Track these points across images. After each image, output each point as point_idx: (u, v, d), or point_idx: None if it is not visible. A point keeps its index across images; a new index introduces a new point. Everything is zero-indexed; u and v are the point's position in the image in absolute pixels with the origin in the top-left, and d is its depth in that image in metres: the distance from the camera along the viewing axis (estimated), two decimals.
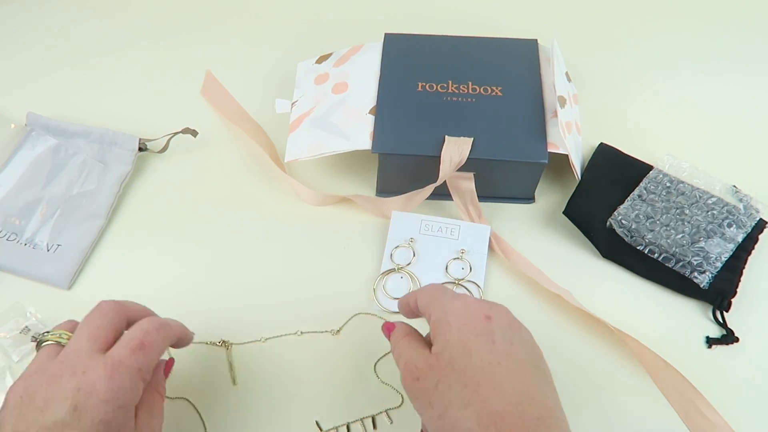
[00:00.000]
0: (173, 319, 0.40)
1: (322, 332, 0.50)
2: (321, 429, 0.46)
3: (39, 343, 0.37)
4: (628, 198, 0.53)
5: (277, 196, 0.57)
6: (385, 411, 0.46)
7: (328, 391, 0.47)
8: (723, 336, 0.49)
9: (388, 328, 0.40)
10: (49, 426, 0.32)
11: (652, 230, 0.51)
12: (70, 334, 0.37)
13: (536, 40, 0.59)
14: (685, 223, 0.51)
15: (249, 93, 0.64)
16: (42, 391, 0.33)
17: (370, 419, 0.46)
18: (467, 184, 0.54)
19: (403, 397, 0.47)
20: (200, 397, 0.47)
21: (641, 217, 0.52)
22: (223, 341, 0.49)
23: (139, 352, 0.34)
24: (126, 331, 0.36)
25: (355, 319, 0.51)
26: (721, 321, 0.50)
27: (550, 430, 0.31)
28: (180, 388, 0.47)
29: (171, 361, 0.40)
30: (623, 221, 0.52)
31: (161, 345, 0.37)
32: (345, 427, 0.46)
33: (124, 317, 0.37)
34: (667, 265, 0.51)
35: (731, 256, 0.51)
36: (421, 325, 0.47)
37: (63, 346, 0.36)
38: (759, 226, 0.52)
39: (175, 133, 0.58)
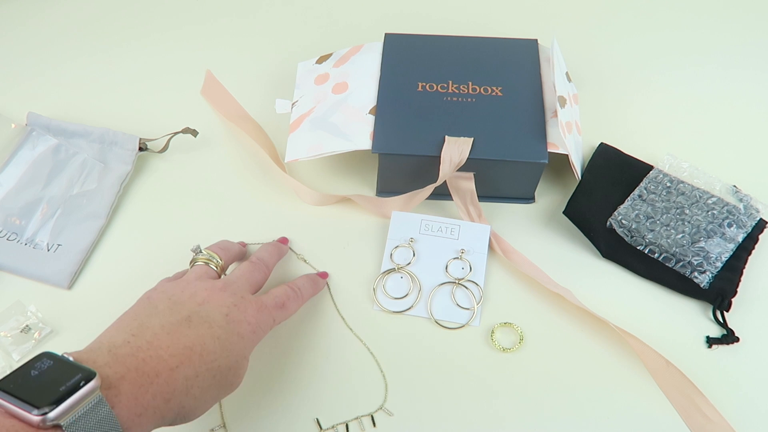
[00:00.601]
0: (315, 282, 0.50)
1: (322, 333, 0.50)
2: (321, 427, 0.46)
3: (194, 258, 0.46)
4: (629, 198, 0.53)
5: (277, 196, 0.57)
6: (382, 408, 0.46)
7: (328, 390, 0.47)
8: (723, 336, 0.49)
9: None
10: (203, 317, 0.39)
11: (652, 230, 0.51)
12: (221, 263, 0.46)
13: (536, 40, 0.59)
14: (686, 223, 0.51)
15: (249, 93, 0.64)
16: (205, 293, 0.41)
17: (369, 417, 0.46)
18: (467, 184, 0.54)
19: (385, 383, 0.47)
20: None
21: (641, 217, 0.52)
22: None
23: (279, 309, 0.44)
24: (276, 288, 0.46)
25: (356, 319, 0.51)
26: (722, 321, 0.50)
27: None
28: None
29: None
30: (623, 221, 0.52)
31: (293, 312, 0.46)
32: (344, 426, 0.46)
33: (268, 275, 0.48)
34: (667, 264, 0.51)
35: (731, 256, 0.51)
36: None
37: (210, 268, 0.45)
38: (759, 226, 0.52)
39: (175, 133, 0.58)
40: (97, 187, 0.56)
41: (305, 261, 0.53)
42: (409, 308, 0.51)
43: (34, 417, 0.29)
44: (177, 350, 0.36)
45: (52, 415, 0.29)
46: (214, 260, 0.46)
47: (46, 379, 0.31)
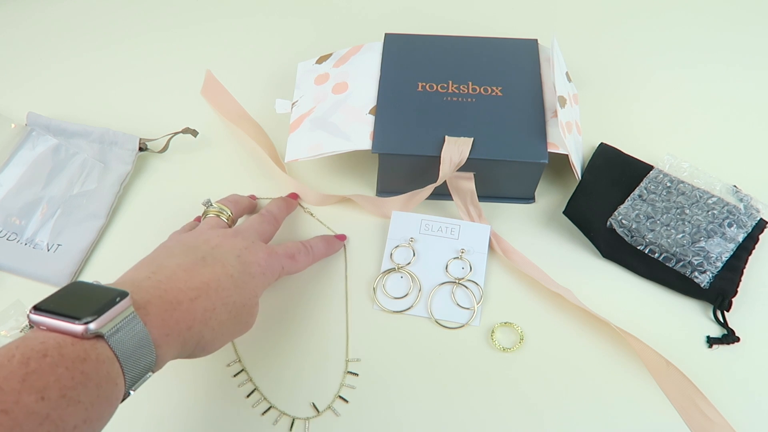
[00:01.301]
0: (330, 243, 0.52)
1: (322, 331, 0.50)
2: (318, 410, 0.46)
3: (205, 211, 0.49)
4: (629, 198, 0.53)
5: (278, 196, 0.57)
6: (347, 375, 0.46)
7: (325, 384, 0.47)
8: (724, 336, 0.49)
9: None
10: (216, 257, 0.41)
11: (652, 230, 0.51)
12: (231, 215, 0.49)
13: (536, 40, 0.59)
14: (686, 223, 0.51)
15: (249, 93, 0.64)
16: (217, 239, 0.43)
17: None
18: (467, 184, 0.54)
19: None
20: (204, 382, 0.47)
21: (641, 216, 0.52)
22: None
23: (288, 259, 0.46)
24: (289, 242, 0.48)
25: (356, 319, 0.51)
26: (722, 321, 0.50)
27: None
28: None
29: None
30: (623, 221, 0.52)
31: (302, 266, 0.48)
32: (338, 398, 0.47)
33: (277, 228, 0.50)
34: (667, 264, 0.51)
35: (732, 256, 0.51)
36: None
37: (221, 219, 0.48)
38: (759, 225, 0.52)
39: (176, 133, 0.59)
40: (97, 187, 0.56)
41: (312, 215, 0.56)
42: (409, 308, 0.51)
43: (77, 327, 0.31)
44: (194, 284, 0.38)
45: (93, 325, 0.31)
46: (225, 213, 0.49)
47: (83, 298, 0.33)
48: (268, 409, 0.47)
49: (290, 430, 0.45)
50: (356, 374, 0.48)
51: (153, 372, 0.35)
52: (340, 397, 0.47)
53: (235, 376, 0.48)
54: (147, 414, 0.46)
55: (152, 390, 0.46)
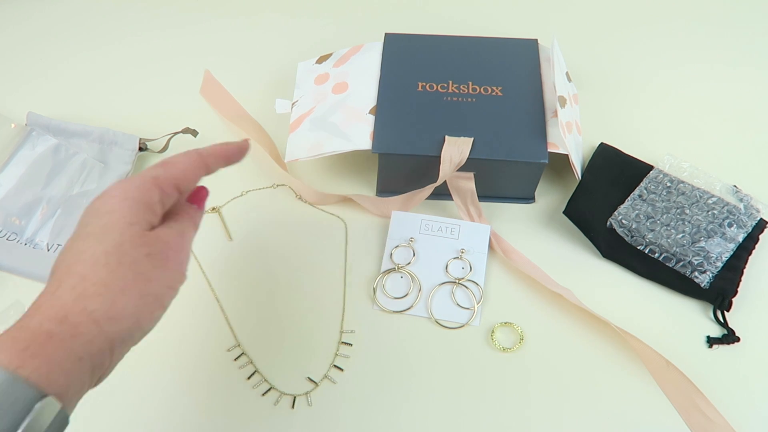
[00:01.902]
0: (226, 144, 0.41)
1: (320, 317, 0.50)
2: (316, 383, 0.47)
3: None
4: (629, 198, 0.53)
5: (278, 196, 0.57)
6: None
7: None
8: (724, 335, 0.49)
9: None
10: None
11: (652, 230, 0.51)
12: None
13: (536, 40, 0.59)
14: (686, 223, 0.51)
15: (249, 93, 0.64)
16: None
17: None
18: (467, 184, 0.54)
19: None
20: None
21: (641, 216, 0.52)
22: (213, 208, 0.56)
23: (158, 167, 0.36)
24: None
25: (356, 319, 0.51)
26: (722, 320, 0.50)
27: None
28: None
29: (202, 189, 0.42)
30: (623, 221, 0.52)
31: (185, 167, 0.38)
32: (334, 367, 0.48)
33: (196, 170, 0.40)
34: (667, 264, 0.51)
35: (732, 256, 0.51)
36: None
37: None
38: (759, 225, 0.52)
39: (175, 133, 0.59)
40: (97, 187, 0.56)
41: (300, 198, 0.57)
42: (409, 308, 0.51)
43: None
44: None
45: None
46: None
47: None
48: (269, 390, 0.47)
49: (292, 407, 0.46)
50: (347, 356, 0.48)
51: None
52: (333, 367, 0.48)
53: (236, 359, 0.48)
54: (151, 401, 0.46)
55: (157, 379, 0.46)
